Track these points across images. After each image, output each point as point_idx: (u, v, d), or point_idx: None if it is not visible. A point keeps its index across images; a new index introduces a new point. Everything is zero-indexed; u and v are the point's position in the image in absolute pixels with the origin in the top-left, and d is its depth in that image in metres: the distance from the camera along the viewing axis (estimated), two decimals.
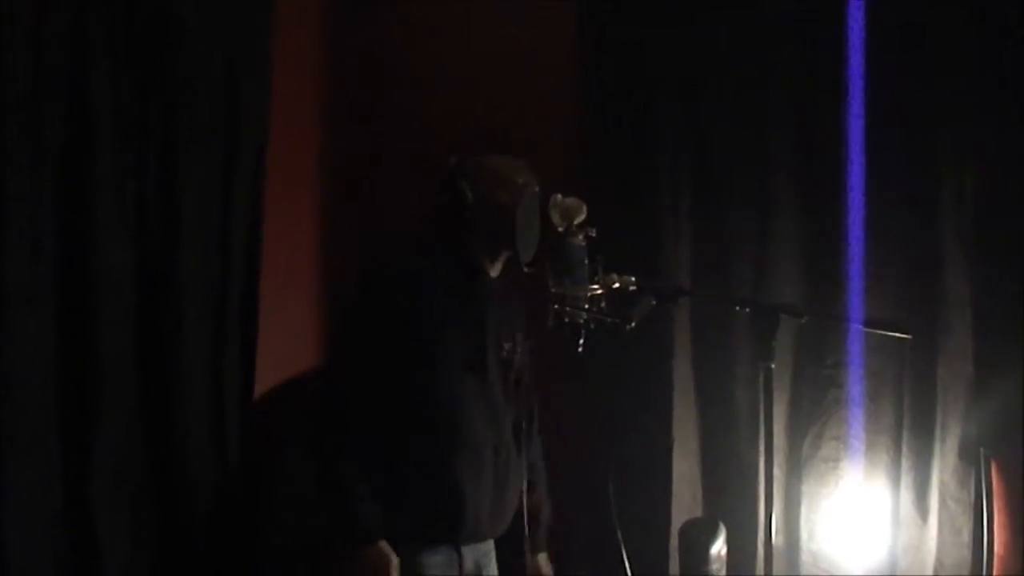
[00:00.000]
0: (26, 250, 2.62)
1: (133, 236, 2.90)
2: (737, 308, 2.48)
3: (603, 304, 2.39)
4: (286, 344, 3.30)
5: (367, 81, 3.85)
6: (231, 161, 3.18)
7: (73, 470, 2.75)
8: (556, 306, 2.36)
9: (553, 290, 2.37)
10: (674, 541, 3.28)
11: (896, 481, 3.28)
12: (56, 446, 2.73)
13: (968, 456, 3.23)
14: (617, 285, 2.40)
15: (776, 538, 2.40)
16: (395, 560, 2.47)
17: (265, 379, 3.14)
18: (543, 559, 2.78)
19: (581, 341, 2.36)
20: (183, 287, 3.01)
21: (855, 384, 3.29)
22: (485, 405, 2.60)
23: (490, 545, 2.67)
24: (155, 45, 2.96)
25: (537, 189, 2.56)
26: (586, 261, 2.39)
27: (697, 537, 3.18)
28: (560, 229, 2.41)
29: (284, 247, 3.43)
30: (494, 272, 2.68)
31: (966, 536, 3.22)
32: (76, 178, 2.76)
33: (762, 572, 3.25)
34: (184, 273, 3.02)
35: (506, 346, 2.66)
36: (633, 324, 2.32)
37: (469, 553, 2.57)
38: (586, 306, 2.36)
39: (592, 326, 2.36)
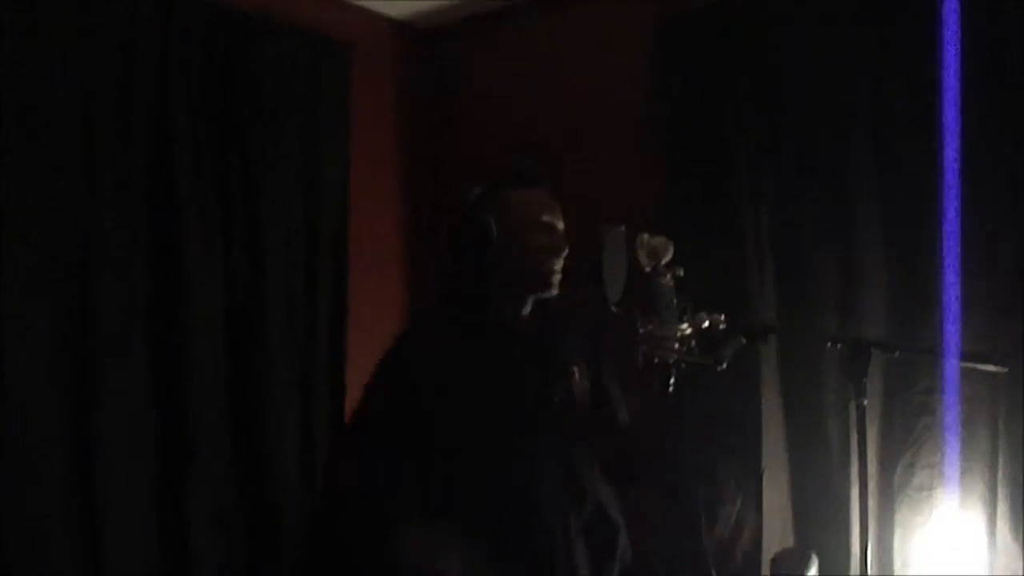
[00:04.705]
0: (119, 313, 2.71)
1: (222, 292, 2.99)
2: (828, 345, 2.44)
3: (693, 344, 2.37)
4: None
5: (444, 120, 3.91)
6: (313, 213, 3.26)
7: (170, 519, 2.83)
8: (645, 347, 2.35)
9: (641, 331, 2.33)
10: (765, 570, 3.26)
11: (993, 508, 3.21)
12: (151, 499, 2.81)
13: None
14: (707, 324, 2.38)
15: (870, 568, 2.35)
16: None
17: None
18: None
19: (672, 381, 2.34)
20: (271, 344, 3.10)
21: (947, 411, 3.23)
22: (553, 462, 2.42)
23: None
24: (237, 105, 3.07)
25: (623, 228, 2.54)
26: (674, 301, 2.35)
27: (789, 567, 3.15)
28: (647, 269, 2.36)
29: (369, 297, 3.47)
30: (525, 311, 2.49)
31: None
32: (166, 242, 2.86)
33: None
34: (271, 330, 3.10)
35: (571, 381, 2.50)
36: (725, 364, 2.31)
37: None
38: (676, 346, 2.34)
39: (682, 366, 2.35)
